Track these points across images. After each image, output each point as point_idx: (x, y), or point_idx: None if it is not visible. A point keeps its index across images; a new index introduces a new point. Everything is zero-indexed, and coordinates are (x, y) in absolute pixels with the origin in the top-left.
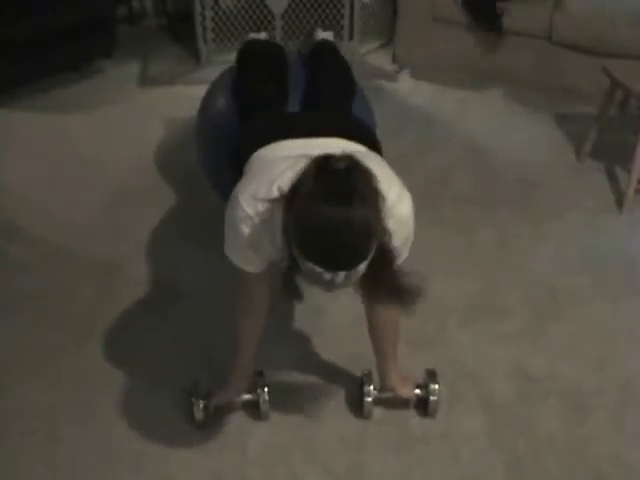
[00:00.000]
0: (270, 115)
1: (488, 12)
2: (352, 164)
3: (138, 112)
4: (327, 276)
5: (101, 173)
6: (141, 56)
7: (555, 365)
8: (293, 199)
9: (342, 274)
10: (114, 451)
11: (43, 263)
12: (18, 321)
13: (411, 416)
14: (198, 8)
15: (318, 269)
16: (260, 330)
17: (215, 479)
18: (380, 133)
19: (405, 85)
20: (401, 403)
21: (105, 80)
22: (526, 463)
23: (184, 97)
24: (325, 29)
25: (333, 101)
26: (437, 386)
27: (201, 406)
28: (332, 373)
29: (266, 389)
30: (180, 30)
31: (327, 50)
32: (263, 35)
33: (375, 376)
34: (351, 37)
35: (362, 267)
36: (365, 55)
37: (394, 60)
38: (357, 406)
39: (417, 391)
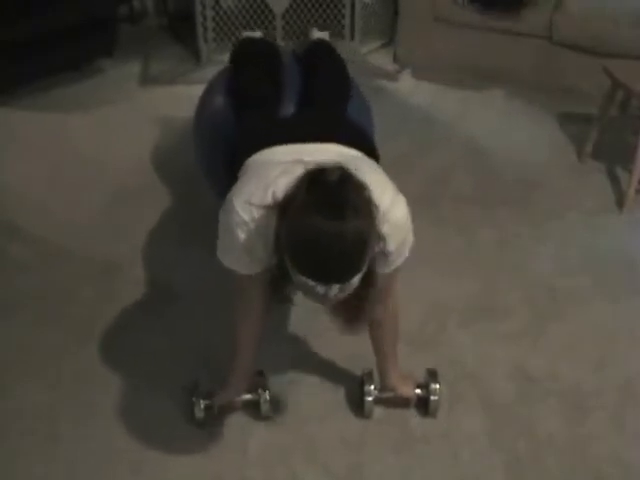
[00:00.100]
0: (265, 119)
1: None
2: (345, 176)
3: (138, 112)
4: (320, 289)
5: (101, 173)
6: (142, 56)
7: (555, 365)
8: (286, 210)
9: (336, 287)
10: (114, 451)
11: (43, 263)
12: (18, 321)
13: (411, 416)
14: (199, 8)
15: (311, 282)
16: (259, 330)
17: (215, 479)
18: (380, 133)
19: (406, 85)
20: (402, 402)
21: (106, 80)
22: (526, 463)
23: (185, 97)
24: (326, 29)
25: (328, 101)
26: (438, 385)
27: (202, 405)
28: (332, 373)
29: (267, 389)
30: (181, 30)
31: (322, 50)
32: (258, 34)
33: (375, 376)
34: (352, 37)
35: (356, 280)
36: (366, 55)
37: (395, 60)
38: (357, 406)
39: (418, 391)
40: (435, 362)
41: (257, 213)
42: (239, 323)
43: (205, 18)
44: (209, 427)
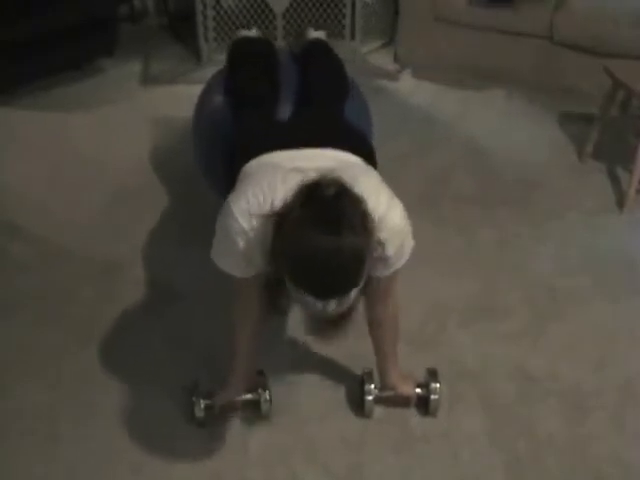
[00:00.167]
0: (263, 121)
1: None
2: (341, 190)
3: (139, 111)
4: (318, 305)
5: (101, 173)
6: (142, 55)
7: (555, 365)
8: (283, 221)
9: (333, 302)
10: (114, 451)
11: (43, 263)
12: (18, 321)
13: (412, 415)
14: (199, 7)
15: (309, 298)
16: (258, 331)
17: (215, 479)
18: (381, 132)
19: (406, 85)
20: (402, 402)
21: (106, 79)
22: (526, 463)
23: (185, 96)
24: (326, 29)
25: (326, 101)
26: (438, 385)
27: (202, 405)
28: (332, 372)
29: (267, 389)
30: (181, 29)
31: (319, 49)
32: (254, 32)
33: (376, 375)
34: (353, 36)
35: (353, 294)
36: (366, 55)
37: (395, 60)
38: (358, 405)
39: (418, 390)
40: (435, 362)
41: (256, 222)
42: (238, 324)
43: (206, 17)
44: (209, 427)
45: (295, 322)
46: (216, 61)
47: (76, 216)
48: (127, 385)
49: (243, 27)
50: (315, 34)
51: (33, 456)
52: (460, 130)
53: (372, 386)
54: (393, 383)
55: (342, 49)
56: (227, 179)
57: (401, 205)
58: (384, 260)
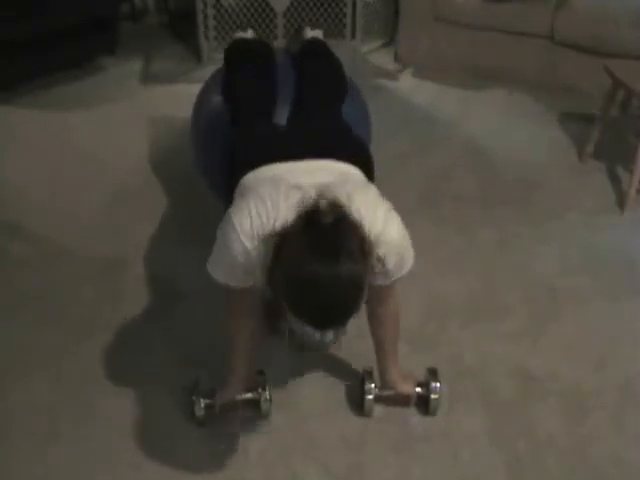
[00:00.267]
0: (262, 127)
1: None
2: (340, 216)
3: (139, 110)
4: (317, 334)
5: (101, 172)
6: (143, 54)
7: (555, 365)
8: (282, 245)
9: (331, 332)
10: (114, 451)
11: (43, 262)
12: (18, 321)
13: (412, 414)
14: (200, 6)
15: (308, 328)
16: (255, 332)
17: (215, 478)
18: (381, 132)
19: (407, 84)
20: (402, 401)
21: (107, 77)
22: (526, 463)
23: (185, 95)
24: (326, 28)
25: (323, 104)
26: (438, 384)
27: (202, 404)
28: (332, 371)
29: (267, 388)
30: (182, 28)
31: (316, 49)
32: (250, 33)
33: (376, 374)
34: (353, 36)
35: (350, 321)
36: (367, 54)
37: (396, 59)
38: (358, 404)
39: (418, 389)
40: (435, 361)
41: (258, 242)
42: (233, 328)
43: (206, 16)
44: (209, 426)
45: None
46: (216, 60)
47: (76, 215)
48: (127, 385)
49: (241, 27)
50: (312, 33)
51: (33, 456)
52: (460, 130)
53: (372, 385)
54: (393, 382)
55: (342, 48)
56: (226, 183)
57: (398, 218)
58: (384, 273)
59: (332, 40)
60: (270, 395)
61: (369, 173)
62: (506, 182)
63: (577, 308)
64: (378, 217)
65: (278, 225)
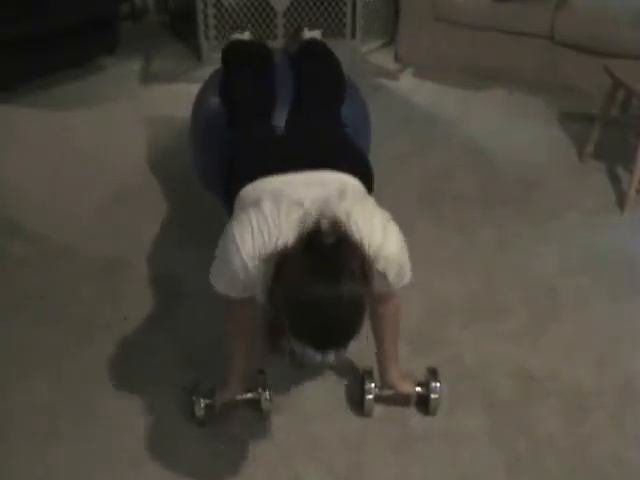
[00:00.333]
0: (259, 137)
1: None
2: (340, 237)
3: (139, 110)
4: (318, 356)
5: (101, 172)
6: (143, 53)
7: (555, 365)
8: (283, 265)
9: (332, 353)
10: (114, 451)
11: (43, 262)
12: (18, 321)
13: (412, 414)
14: (200, 5)
15: (309, 349)
16: (254, 334)
17: (216, 478)
18: (381, 132)
19: (407, 84)
20: (402, 400)
21: (107, 77)
22: (526, 463)
23: (185, 95)
24: (327, 28)
25: (322, 104)
26: (438, 384)
27: (202, 404)
28: (333, 371)
29: (267, 388)
30: (182, 27)
31: (314, 49)
32: (247, 34)
33: (376, 374)
34: (353, 36)
35: (351, 344)
36: (367, 54)
37: (396, 59)
38: (358, 404)
39: (418, 389)
40: (435, 361)
41: (259, 261)
42: (232, 333)
43: (206, 16)
44: (210, 426)
45: None
46: (217, 60)
47: (76, 215)
48: (127, 385)
49: (242, 27)
50: (310, 34)
51: (33, 456)
52: (460, 130)
53: (372, 385)
54: (393, 381)
55: (343, 48)
56: (224, 187)
57: (397, 229)
58: (385, 284)
59: (332, 40)
60: (270, 395)
61: (368, 183)
62: (506, 182)
63: (577, 308)
64: (376, 231)
65: (280, 244)
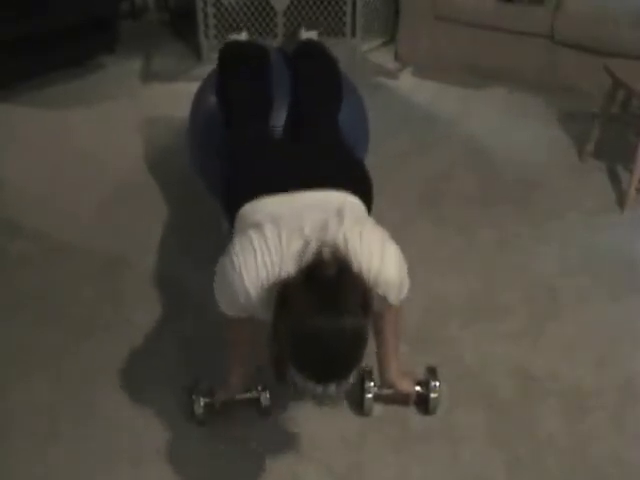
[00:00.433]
0: (258, 146)
1: None
2: (341, 267)
3: (139, 108)
4: (319, 388)
5: (101, 171)
6: (143, 52)
7: (555, 365)
8: (285, 295)
9: (333, 386)
10: (114, 451)
11: (43, 262)
12: (18, 321)
13: (411, 414)
14: (200, 4)
15: (310, 382)
16: (253, 337)
17: (215, 477)
18: (381, 131)
19: (407, 83)
20: (401, 399)
21: (106, 76)
22: (526, 463)
23: (185, 93)
24: (327, 27)
25: (319, 104)
26: (438, 383)
27: (202, 403)
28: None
29: (267, 387)
30: (182, 26)
31: (310, 50)
32: (244, 35)
33: (375, 373)
34: (353, 35)
35: (352, 375)
36: (367, 53)
37: (396, 58)
38: (357, 403)
39: (417, 388)
40: (435, 361)
41: (262, 290)
42: (229, 347)
43: (206, 15)
44: (209, 425)
45: None
46: (216, 59)
47: (76, 214)
48: (127, 384)
49: (241, 26)
50: (307, 34)
51: (33, 456)
52: (460, 129)
53: (372, 384)
54: (393, 380)
55: (342, 47)
56: (224, 202)
57: (394, 248)
58: (385, 303)
59: (332, 39)
60: (270, 394)
61: (367, 199)
62: (506, 182)
63: (577, 308)
64: (375, 255)
65: (282, 273)
